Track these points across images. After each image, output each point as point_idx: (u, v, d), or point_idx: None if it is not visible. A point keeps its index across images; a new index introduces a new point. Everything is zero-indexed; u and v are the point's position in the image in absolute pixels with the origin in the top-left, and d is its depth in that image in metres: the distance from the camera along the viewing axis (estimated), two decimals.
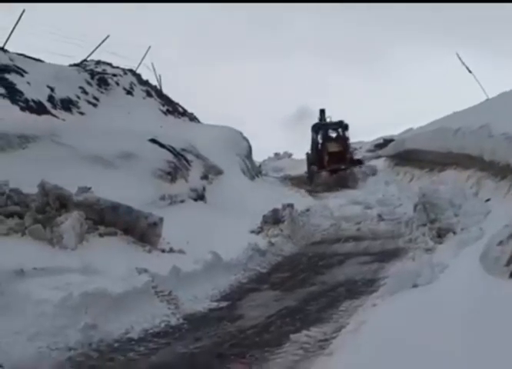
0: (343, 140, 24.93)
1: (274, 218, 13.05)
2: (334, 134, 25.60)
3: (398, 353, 4.49)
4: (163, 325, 6.92)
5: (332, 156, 23.88)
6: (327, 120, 25.76)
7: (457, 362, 3.99)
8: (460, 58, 20.37)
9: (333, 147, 24.28)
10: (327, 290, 8.33)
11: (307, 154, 26.29)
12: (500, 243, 6.38)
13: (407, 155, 21.72)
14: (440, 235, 10.45)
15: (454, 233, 10.16)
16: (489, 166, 12.13)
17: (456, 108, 20.45)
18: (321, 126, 25.63)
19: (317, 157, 24.81)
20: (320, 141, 25.46)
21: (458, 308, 5.08)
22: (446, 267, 6.83)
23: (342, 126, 25.28)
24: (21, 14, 18.18)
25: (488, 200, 11.28)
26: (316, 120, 26.30)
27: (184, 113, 25.03)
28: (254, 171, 21.90)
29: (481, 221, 9.88)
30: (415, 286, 6.39)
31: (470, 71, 20.06)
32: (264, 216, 13.15)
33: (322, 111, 26.02)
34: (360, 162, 25.16)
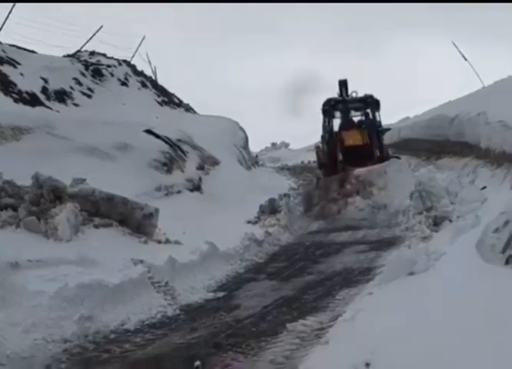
0: (369, 126, 15.99)
1: (270, 208, 13.05)
2: (356, 118, 16.95)
3: (394, 341, 4.47)
4: (159, 316, 6.90)
5: (350, 153, 15.16)
6: (353, 96, 16.65)
7: (454, 349, 3.98)
8: (456, 46, 20.33)
9: (351, 139, 15.57)
10: (324, 279, 8.33)
11: (317, 148, 17.57)
12: (496, 230, 6.37)
13: (403, 144, 21.69)
14: (437, 223, 10.47)
15: (450, 221, 10.18)
16: (485, 154, 12.15)
17: (452, 96, 20.45)
18: (335, 104, 16.50)
19: (328, 154, 16.22)
20: (335, 128, 16.75)
21: (454, 296, 5.07)
22: (442, 254, 6.81)
23: (369, 104, 16.37)
24: (12, 7, 18.08)
25: (484, 187, 11.30)
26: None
27: (179, 104, 24.99)
28: (251, 162, 21.89)
29: (477, 208, 9.89)
30: (411, 274, 6.37)
31: (465, 59, 20.04)
32: (260, 206, 13.13)
33: (343, 84, 16.48)
34: None
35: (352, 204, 13.60)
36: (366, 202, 13.41)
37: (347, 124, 16.39)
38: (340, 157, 15.24)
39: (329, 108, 16.38)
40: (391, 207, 12.71)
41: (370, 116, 16.36)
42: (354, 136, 15.63)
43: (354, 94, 16.53)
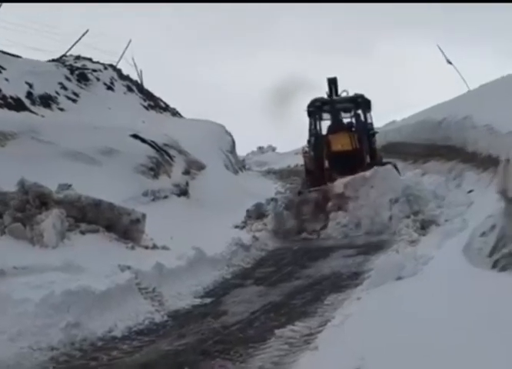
0: (360, 129, 14.65)
1: (257, 213, 13.02)
2: (346, 119, 15.50)
3: (384, 346, 4.47)
4: (147, 322, 6.85)
5: (338, 159, 13.72)
6: (343, 95, 15.10)
7: (443, 353, 3.99)
8: (441, 50, 20.45)
9: (340, 143, 14.05)
10: (312, 284, 8.30)
11: (305, 153, 15.72)
12: (483, 234, 6.42)
13: (390, 147, 21.79)
14: (424, 227, 10.50)
15: (438, 225, 10.21)
16: (471, 157, 12.24)
17: (438, 99, 20.57)
18: (322, 105, 15.05)
19: (314, 161, 14.67)
20: (324, 131, 15.18)
21: (442, 299, 5.09)
22: (430, 258, 6.84)
23: (359, 104, 14.96)
24: None
25: (471, 191, 11.37)
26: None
27: (166, 108, 24.94)
28: (238, 166, 21.86)
29: (464, 212, 9.95)
30: (399, 278, 6.39)
31: (450, 63, 20.17)
32: (247, 210, 13.10)
33: (332, 82, 14.89)
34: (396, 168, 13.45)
35: (334, 220, 12.30)
36: (348, 217, 12.15)
37: (335, 126, 14.73)
38: (327, 164, 13.83)
39: (315, 109, 14.89)
40: (376, 220, 11.86)
41: (362, 117, 14.95)
42: (342, 140, 14.04)
43: (344, 94, 15.01)
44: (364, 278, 7.82)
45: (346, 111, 15.38)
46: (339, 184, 12.59)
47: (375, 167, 12.60)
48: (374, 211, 11.95)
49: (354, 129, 14.72)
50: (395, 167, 13.41)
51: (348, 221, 12.13)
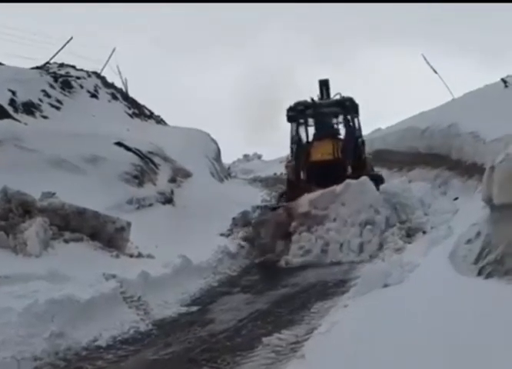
0: (347, 136, 13.37)
1: (243, 220, 12.98)
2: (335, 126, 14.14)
3: (370, 353, 4.47)
4: (132, 331, 6.81)
5: (317, 170, 12.46)
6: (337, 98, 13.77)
7: (429, 359, 3.99)
8: (425, 59, 20.56)
9: (320, 152, 12.82)
10: (299, 292, 8.31)
11: (289, 161, 14.03)
12: (468, 241, 6.44)
13: (376, 155, 21.87)
14: (410, 235, 10.50)
15: (424, 232, 10.22)
16: (456, 165, 12.30)
17: (423, 107, 20.66)
18: (305, 109, 13.55)
19: (294, 171, 13.27)
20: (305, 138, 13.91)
21: (428, 307, 5.09)
22: (416, 266, 6.85)
23: (347, 108, 13.42)
24: None
25: (456, 198, 11.43)
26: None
27: (150, 115, 24.85)
28: (223, 174, 21.81)
29: (450, 219, 9.98)
30: (385, 286, 6.39)
31: (435, 72, 20.28)
32: (233, 218, 13.06)
33: (324, 84, 14.09)
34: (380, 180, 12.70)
35: (296, 243, 10.66)
36: (314, 241, 10.57)
37: (321, 133, 13.52)
38: (303, 175, 12.56)
39: (296, 113, 13.39)
40: (346, 246, 10.33)
41: (350, 123, 13.51)
42: (323, 148, 12.77)
43: (338, 97, 13.66)
44: (351, 286, 7.83)
45: (332, 115, 13.90)
46: (304, 201, 11.00)
47: (347, 181, 11.04)
48: (344, 235, 10.47)
49: (341, 136, 13.49)
50: (380, 178, 12.55)
51: (312, 245, 10.48)
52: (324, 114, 13.67)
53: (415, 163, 15.62)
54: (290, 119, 13.53)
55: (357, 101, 13.50)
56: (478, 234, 6.32)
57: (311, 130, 13.95)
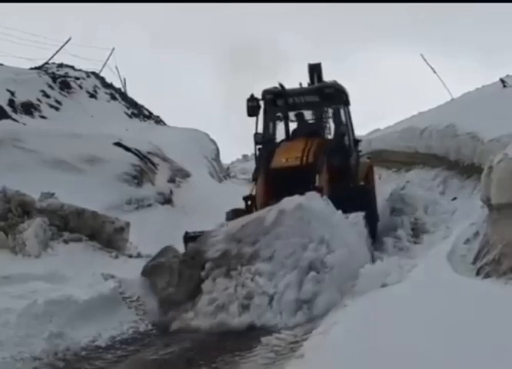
0: (337, 134, 10.44)
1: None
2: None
3: (369, 353, 4.47)
4: (131, 332, 6.79)
5: (278, 180, 9.04)
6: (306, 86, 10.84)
7: (427, 359, 4.00)
8: (424, 59, 20.54)
9: (284, 157, 9.46)
10: None
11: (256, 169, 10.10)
12: (467, 241, 6.47)
13: (374, 156, 21.86)
14: (414, 235, 10.39)
15: (425, 232, 10.19)
16: (455, 165, 12.31)
17: (421, 107, 20.65)
18: (275, 98, 10.47)
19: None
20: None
21: (426, 306, 5.10)
22: (414, 266, 6.86)
23: (329, 97, 10.23)
24: None
25: (454, 199, 11.43)
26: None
27: (149, 116, 24.89)
28: (222, 174, 21.84)
29: (448, 219, 9.98)
30: (384, 285, 6.40)
31: (434, 72, 20.25)
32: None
33: (315, 69, 10.87)
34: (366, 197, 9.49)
35: (208, 294, 6.92)
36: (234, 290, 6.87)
37: (299, 130, 10.60)
38: (261, 186, 9.31)
39: (257, 104, 10.29)
40: (278, 299, 6.68)
41: (337, 116, 10.45)
42: (291, 152, 9.52)
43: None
44: (350, 286, 7.82)
45: (310, 106, 10.79)
46: (220, 232, 7.49)
47: (282, 202, 7.42)
48: (277, 283, 6.80)
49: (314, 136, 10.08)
50: (366, 194, 9.59)
51: (229, 298, 6.82)
52: (298, 105, 10.57)
53: (413, 163, 15.61)
54: (250, 111, 10.23)
55: (344, 88, 10.61)
56: (476, 234, 6.35)
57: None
